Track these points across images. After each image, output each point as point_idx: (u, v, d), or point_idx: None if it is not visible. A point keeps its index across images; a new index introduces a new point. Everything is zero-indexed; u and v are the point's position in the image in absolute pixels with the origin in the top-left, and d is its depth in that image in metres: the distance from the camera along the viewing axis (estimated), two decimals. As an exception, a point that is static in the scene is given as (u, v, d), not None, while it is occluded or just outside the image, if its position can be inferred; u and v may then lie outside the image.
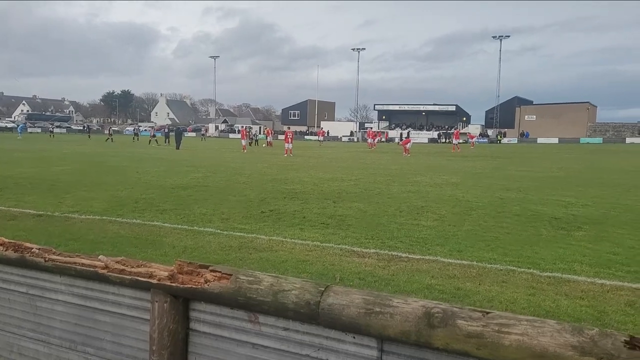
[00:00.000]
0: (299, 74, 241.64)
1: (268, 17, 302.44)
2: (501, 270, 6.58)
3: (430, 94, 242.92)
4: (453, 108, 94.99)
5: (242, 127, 60.06)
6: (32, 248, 2.88)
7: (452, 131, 69.49)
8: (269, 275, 2.31)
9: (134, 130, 75.75)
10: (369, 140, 55.92)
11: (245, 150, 40.44)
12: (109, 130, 70.90)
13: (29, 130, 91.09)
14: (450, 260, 7.01)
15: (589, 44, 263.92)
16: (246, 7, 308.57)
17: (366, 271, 6.47)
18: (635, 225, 9.67)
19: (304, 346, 2.21)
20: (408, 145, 40.19)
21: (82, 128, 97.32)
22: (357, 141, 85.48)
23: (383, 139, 76.14)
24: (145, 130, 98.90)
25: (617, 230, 9.17)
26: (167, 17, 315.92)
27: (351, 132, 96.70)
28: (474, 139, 64.36)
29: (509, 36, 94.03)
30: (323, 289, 2.15)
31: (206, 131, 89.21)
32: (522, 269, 6.61)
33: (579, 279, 6.21)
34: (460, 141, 52.87)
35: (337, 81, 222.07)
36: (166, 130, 60.34)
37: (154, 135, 59.09)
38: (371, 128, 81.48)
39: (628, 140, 78.04)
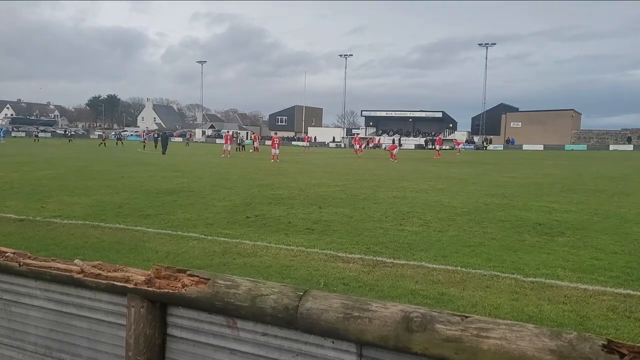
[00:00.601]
0: (287, 80, 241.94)
1: (257, 23, 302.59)
2: (485, 275, 6.60)
3: (417, 100, 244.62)
4: (439, 115, 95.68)
5: (227, 132, 59.96)
6: (7, 252, 2.81)
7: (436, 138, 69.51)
8: (247, 280, 2.28)
9: (115, 135, 73.78)
10: (356, 147, 56.05)
11: (224, 155, 40.25)
12: (104, 135, 69.25)
13: (13, 134, 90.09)
14: (434, 266, 7.01)
15: (574, 52, 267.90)
16: (235, 12, 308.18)
17: (350, 276, 6.45)
18: (617, 230, 9.76)
19: (283, 351, 2.18)
20: (395, 151, 40.35)
21: (64, 132, 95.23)
22: (344, 147, 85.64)
23: (370, 145, 76.18)
24: (131, 135, 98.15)
25: (599, 235, 9.26)
26: (155, 22, 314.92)
27: (333, 138, 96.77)
28: (460, 146, 64.80)
29: (494, 44, 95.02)
30: (302, 293, 2.12)
31: (190, 136, 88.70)
32: (506, 275, 6.63)
33: (562, 284, 6.24)
34: (443, 147, 52.92)
35: (325, 87, 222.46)
36: (155, 135, 59.80)
37: (145, 140, 58.23)
38: (358, 134, 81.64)
39: (612, 147, 79.11)
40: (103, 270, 2.55)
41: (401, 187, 17.78)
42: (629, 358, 1.63)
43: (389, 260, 7.28)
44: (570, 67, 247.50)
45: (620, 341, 1.68)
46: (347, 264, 7.07)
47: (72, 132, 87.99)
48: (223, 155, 39.83)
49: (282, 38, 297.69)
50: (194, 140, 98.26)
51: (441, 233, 9.35)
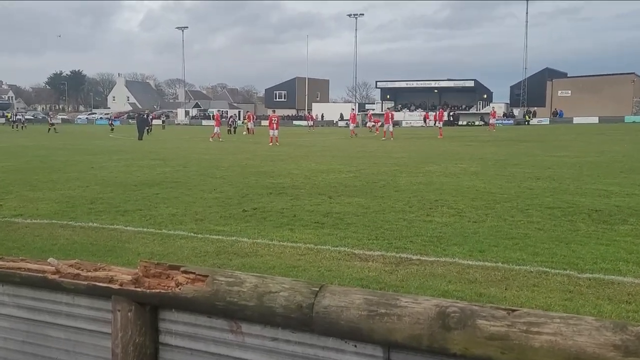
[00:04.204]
0: (288, 47, 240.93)
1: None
2: (532, 272, 6.65)
3: (445, 68, 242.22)
4: (471, 84, 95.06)
5: (218, 111, 59.80)
6: (-33, 252, 2.88)
7: (435, 112, 64.74)
8: (252, 276, 2.33)
9: (47, 117, 70.76)
10: (351, 127, 54.45)
11: (216, 138, 40.44)
12: (50, 118, 67.81)
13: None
14: (470, 262, 7.07)
15: (635, 4, 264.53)
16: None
17: (370, 277, 6.52)
18: (690, 216, 9.76)
19: (296, 358, 2.24)
20: (386, 126, 40.22)
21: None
22: (357, 125, 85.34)
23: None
24: (101, 117, 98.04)
25: (669, 222, 9.26)
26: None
27: (341, 115, 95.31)
28: (493, 120, 63.82)
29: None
30: (317, 289, 2.16)
31: (167, 117, 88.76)
32: (557, 271, 6.68)
33: (624, 280, 6.28)
34: (440, 125, 51.75)
35: (334, 55, 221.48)
36: (126, 117, 59.57)
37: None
38: (371, 110, 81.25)
39: (683, 117, 78.47)
40: (82, 270, 2.60)
41: (426, 171, 17.82)
42: None
43: (415, 257, 7.34)
44: (631, 22, 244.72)
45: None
46: (366, 263, 7.14)
47: (38, 117, 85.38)
48: (219, 139, 40.06)
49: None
50: (176, 122, 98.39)
51: (477, 224, 9.40)
